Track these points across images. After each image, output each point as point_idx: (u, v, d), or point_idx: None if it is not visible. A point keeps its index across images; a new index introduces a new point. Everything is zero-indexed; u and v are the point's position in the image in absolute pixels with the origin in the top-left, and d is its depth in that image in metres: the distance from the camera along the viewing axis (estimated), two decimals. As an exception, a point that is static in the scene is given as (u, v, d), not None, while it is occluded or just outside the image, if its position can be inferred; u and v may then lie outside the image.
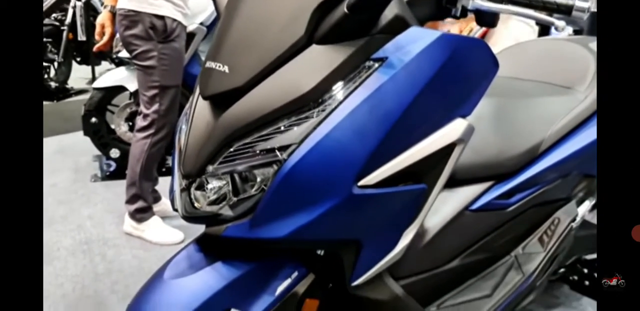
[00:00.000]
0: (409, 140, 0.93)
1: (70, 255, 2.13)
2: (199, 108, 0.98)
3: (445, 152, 0.97)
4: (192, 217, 0.95)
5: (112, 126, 3.08)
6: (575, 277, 1.89)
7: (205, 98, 0.96)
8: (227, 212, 0.91)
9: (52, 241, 2.24)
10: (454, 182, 1.39)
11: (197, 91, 1.01)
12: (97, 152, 3.17)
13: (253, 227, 0.88)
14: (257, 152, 0.88)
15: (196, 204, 0.95)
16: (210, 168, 0.92)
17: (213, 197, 0.93)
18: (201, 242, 1.04)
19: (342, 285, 1.03)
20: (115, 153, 3.04)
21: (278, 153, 0.86)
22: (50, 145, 3.62)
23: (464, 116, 0.98)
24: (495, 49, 1.69)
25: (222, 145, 0.91)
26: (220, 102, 0.93)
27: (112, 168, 3.09)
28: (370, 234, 0.97)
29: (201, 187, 0.95)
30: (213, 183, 0.93)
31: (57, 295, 1.84)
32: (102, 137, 3.04)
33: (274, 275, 1.00)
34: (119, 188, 2.74)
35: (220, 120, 0.91)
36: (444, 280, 1.39)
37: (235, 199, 0.90)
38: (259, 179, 0.89)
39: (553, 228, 1.55)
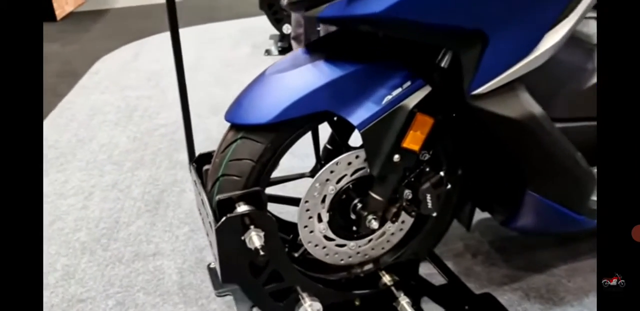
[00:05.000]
0: None
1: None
2: None
3: None
4: (295, 1, 0.90)
5: (286, 2, 3.19)
6: None
7: None
8: None
9: (222, 96, 2.57)
10: None
11: None
12: (274, 32, 3.35)
13: (349, 4, 0.79)
14: None
15: None
16: None
17: None
18: (309, 46, 1.00)
19: (464, 101, 0.88)
20: (287, 29, 3.17)
21: None
22: (237, 25, 3.97)
23: None
24: None
25: None
26: None
27: (284, 45, 3.26)
28: (499, 26, 0.79)
29: None
30: None
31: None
32: (276, 12, 3.17)
33: (383, 82, 0.91)
34: (288, 61, 2.92)
35: None
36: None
37: None
38: None
39: None
